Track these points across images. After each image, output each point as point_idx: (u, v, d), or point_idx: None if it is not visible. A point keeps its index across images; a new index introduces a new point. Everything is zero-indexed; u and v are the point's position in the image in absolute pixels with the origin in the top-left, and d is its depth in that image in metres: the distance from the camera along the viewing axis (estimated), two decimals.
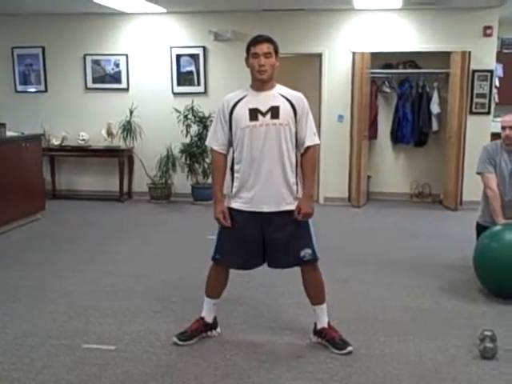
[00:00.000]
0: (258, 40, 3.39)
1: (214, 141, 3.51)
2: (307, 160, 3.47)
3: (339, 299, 4.26)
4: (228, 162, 3.55)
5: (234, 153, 3.49)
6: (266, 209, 3.39)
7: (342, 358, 3.43)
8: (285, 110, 3.37)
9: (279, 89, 3.47)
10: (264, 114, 3.35)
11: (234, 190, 3.46)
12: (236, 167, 3.47)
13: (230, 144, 3.50)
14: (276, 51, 3.42)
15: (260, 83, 3.41)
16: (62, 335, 3.76)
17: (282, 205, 3.40)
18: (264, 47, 3.36)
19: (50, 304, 4.34)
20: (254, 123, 3.35)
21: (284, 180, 3.40)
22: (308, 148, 3.45)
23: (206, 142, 3.64)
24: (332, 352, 3.48)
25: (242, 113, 3.38)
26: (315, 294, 3.57)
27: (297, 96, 3.46)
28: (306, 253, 3.43)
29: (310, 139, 3.44)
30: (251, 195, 3.40)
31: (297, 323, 3.90)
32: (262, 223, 3.42)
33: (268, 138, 3.35)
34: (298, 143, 3.45)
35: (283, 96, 3.42)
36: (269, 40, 3.40)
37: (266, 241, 3.45)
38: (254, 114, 3.36)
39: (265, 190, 3.38)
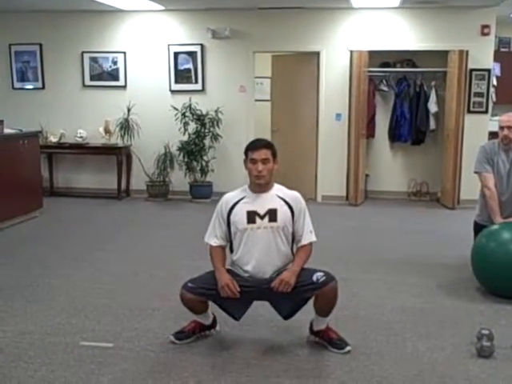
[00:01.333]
0: (256, 146, 3.46)
1: (214, 237, 3.57)
2: (301, 253, 3.52)
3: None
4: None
5: (232, 253, 3.57)
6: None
7: (339, 356, 3.44)
8: (282, 212, 3.46)
9: (277, 190, 3.55)
10: (262, 217, 3.44)
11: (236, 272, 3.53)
12: (234, 260, 3.55)
13: (227, 240, 3.57)
14: (274, 155, 3.48)
15: (258, 187, 3.49)
16: (60, 333, 3.77)
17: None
18: (262, 153, 3.42)
19: (48, 302, 4.34)
20: (251, 226, 3.44)
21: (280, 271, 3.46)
22: (304, 245, 3.52)
23: (205, 239, 3.62)
24: (330, 351, 3.49)
25: (240, 215, 3.46)
26: (325, 311, 3.49)
27: (294, 197, 3.54)
28: (317, 276, 3.36)
29: (306, 238, 3.52)
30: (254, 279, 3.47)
31: (295, 322, 3.89)
32: (260, 285, 3.43)
33: (266, 240, 3.44)
34: (294, 239, 3.54)
35: (281, 198, 3.50)
36: (267, 146, 3.48)
37: (269, 297, 3.46)
38: (251, 216, 3.44)
39: (267, 277, 3.45)
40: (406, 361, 3.40)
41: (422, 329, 3.87)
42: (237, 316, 3.56)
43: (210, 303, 3.59)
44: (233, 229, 3.50)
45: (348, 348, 3.48)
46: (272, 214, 3.44)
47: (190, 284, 3.47)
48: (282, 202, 3.48)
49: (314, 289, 3.36)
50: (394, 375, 3.21)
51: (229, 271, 3.48)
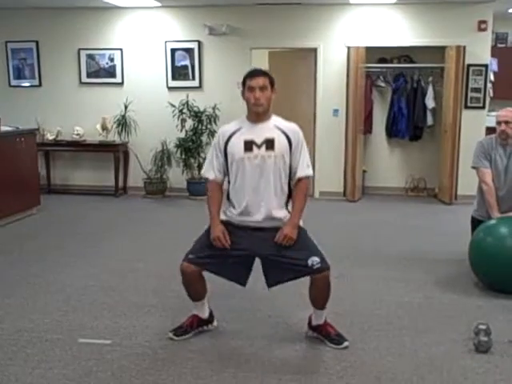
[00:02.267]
0: (253, 74, 3.44)
1: (211, 170, 3.52)
2: (298, 191, 3.48)
3: (334, 294, 4.24)
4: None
5: (229, 182, 3.52)
6: (258, 225, 3.42)
7: (337, 351, 3.44)
8: (280, 142, 3.41)
9: (275, 120, 3.50)
10: (259, 146, 3.39)
11: (229, 213, 3.50)
12: (230, 195, 3.50)
13: (226, 174, 3.52)
14: (272, 84, 3.45)
15: (255, 115, 3.44)
16: (58, 330, 3.76)
17: (274, 224, 3.43)
18: (260, 81, 3.39)
19: (46, 299, 4.34)
20: (248, 155, 3.39)
21: (277, 209, 3.43)
22: (300, 179, 3.47)
23: (202, 172, 3.62)
24: (328, 346, 3.49)
25: (237, 144, 3.41)
26: (320, 302, 3.51)
27: (292, 128, 3.50)
28: (313, 261, 3.34)
29: (303, 171, 3.47)
30: (244, 218, 3.44)
31: (293, 317, 3.91)
32: (255, 239, 3.41)
33: (262, 169, 3.39)
34: (291, 174, 3.49)
35: (279, 128, 3.45)
36: (264, 74, 3.45)
37: (264, 260, 3.45)
38: (248, 145, 3.39)
39: (259, 219, 3.41)
40: (403, 356, 3.40)
41: (420, 324, 3.87)
42: (242, 281, 3.54)
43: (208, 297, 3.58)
44: (230, 159, 3.44)
45: (346, 343, 3.49)
46: (269, 143, 3.38)
47: (190, 255, 3.47)
48: (280, 132, 3.43)
49: (307, 273, 3.37)
50: (392, 370, 3.22)
51: (223, 224, 3.45)
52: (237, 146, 3.41)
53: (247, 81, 3.43)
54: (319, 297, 3.47)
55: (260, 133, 3.41)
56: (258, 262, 3.50)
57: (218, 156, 3.50)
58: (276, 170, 3.40)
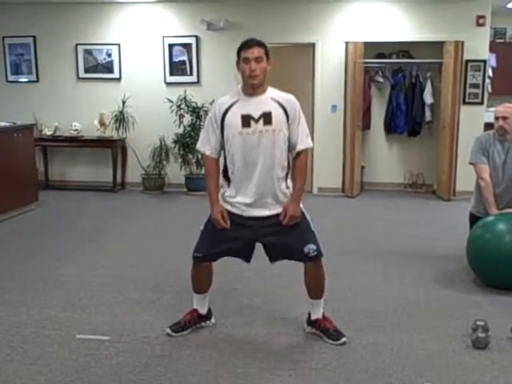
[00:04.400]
0: (248, 44, 3.32)
1: (207, 145, 3.45)
2: (298, 164, 3.44)
3: (333, 290, 4.26)
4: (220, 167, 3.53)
5: (225, 159, 3.45)
6: (260, 213, 3.39)
7: (335, 348, 3.44)
8: (277, 115, 3.35)
9: (271, 92, 3.43)
10: (256, 121, 3.32)
11: (227, 194, 3.45)
12: (228, 172, 3.44)
13: (222, 148, 3.46)
14: (267, 55, 3.36)
15: (251, 88, 3.36)
16: (56, 326, 3.77)
17: (276, 208, 3.40)
18: (255, 51, 3.29)
19: (44, 294, 4.34)
20: (246, 130, 3.32)
21: (277, 185, 3.39)
22: (300, 152, 3.43)
23: (198, 147, 3.55)
24: (326, 342, 3.50)
25: (234, 119, 3.34)
26: (315, 290, 3.56)
27: (288, 99, 3.43)
28: (309, 249, 3.38)
29: (302, 143, 3.42)
30: (244, 200, 3.39)
31: (291, 314, 3.91)
32: (256, 227, 3.39)
33: (261, 144, 3.33)
34: (290, 146, 3.43)
35: (275, 100, 3.38)
36: (260, 44, 3.34)
37: (265, 244, 3.46)
38: (246, 120, 3.32)
39: (258, 195, 3.37)
40: (401, 352, 3.40)
41: (418, 320, 3.87)
42: (246, 259, 3.56)
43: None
44: (226, 133, 3.38)
45: (344, 339, 3.49)
46: (267, 117, 3.32)
47: (196, 254, 3.52)
48: (277, 105, 3.36)
49: (301, 259, 3.44)
50: (390, 366, 3.22)
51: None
52: (234, 121, 3.33)
53: (242, 52, 3.32)
54: (313, 285, 3.53)
55: (257, 106, 3.34)
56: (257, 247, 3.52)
57: (214, 130, 3.42)
58: (275, 144, 3.34)
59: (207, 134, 3.46)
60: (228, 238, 3.41)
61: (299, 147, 3.40)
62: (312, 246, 3.39)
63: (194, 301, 3.69)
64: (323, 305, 3.62)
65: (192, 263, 3.58)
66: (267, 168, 3.35)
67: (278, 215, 3.39)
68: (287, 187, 3.44)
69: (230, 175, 3.43)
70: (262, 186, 3.36)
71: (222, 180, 3.50)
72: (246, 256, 3.53)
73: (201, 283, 3.63)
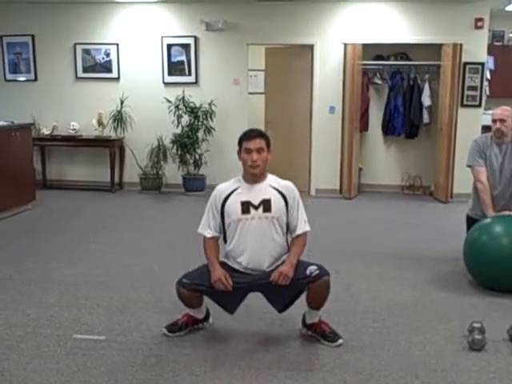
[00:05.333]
0: (250, 135, 3.44)
1: (208, 229, 3.54)
2: (297, 244, 3.52)
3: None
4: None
5: (225, 242, 3.55)
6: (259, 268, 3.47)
7: (331, 349, 3.44)
8: (276, 202, 3.45)
9: (270, 180, 3.53)
10: (256, 208, 3.42)
11: (229, 263, 3.53)
12: (228, 252, 3.53)
13: (221, 232, 3.55)
14: (268, 145, 3.47)
15: (252, 176, 3.47)
16: (53, 325, 3.76)
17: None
18: (257, 143, 3.41)
19: (41, 294, 4.33)
20: (246, 216, 3.42)
21: (275, 267, 3.43)
22: (299, 235, 3.51)
23: (199, 230, 3.59)
24: (323, 344, 3.50)
25: (234, 206, 3.44)
26: (317, 304, 3.51)
27: (287, 187, 3.53)
28: (311, 269, 3.36)
29: (301, 228, 3.52)
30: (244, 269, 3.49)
31: (287, 314, 3.89)
32: (255, 278, 3.43)
33: (260, 230, 3.42)
34: (289, 229, 3.53)
35: (274, 188, 3.49)
36: (261, 135, 3.47)
37: (263, 291, 3.50)
38: (246, 207, 3.42)
39: (258, 270, 3.45)
40: (398, 354, 3.41)
41: (415, 322, 3.88)
42: (231, 310, 3.57)
43: (205, 298, 3.59)
44: (227, 220, 3.49)
45: (340, 341, 3.49)
46: (266, 204, 3.43)
47: (184, 280, 3.47)
48: (276, 192, 3.47)
49: (308, 282, 3.37)
50: (386, 368, 3.22)
51: (222, 264, 3.47)
52: (234, 208, 3.44)
53: (244, 142, 3.44)
54: (317, 299, 3.47)
55: (257, 194, 3.45)
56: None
57: (214, 215, 3.53)
58: (274, 230, 3.45)
59: (208, 219, 3.56)
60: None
61: (297, 232, 3.52)
62: (312, 267, 3.38)
63: (190, 311, 3.68)
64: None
65: (176, 287, 3.50)
66: (267, 253, 3.45)
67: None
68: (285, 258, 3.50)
69: (229, 255, 3.53)
70: (259, 267, 3.45)
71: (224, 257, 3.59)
72: (234, 302, 3.53)
73: (191, 303, 3.58)
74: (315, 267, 3.38)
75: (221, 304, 3.58)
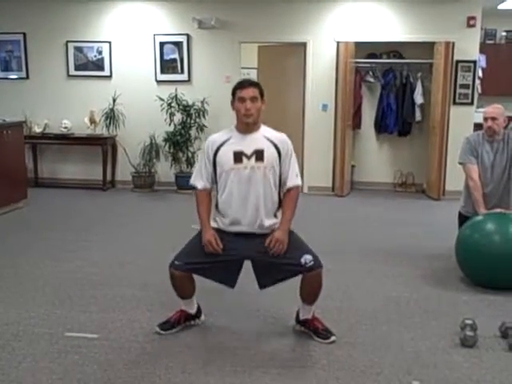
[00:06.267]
0: (244, 85, 3.42)
1: (200, 179, 3.52)
2: (288, 199, 3.50)
3: (322, 288, 4.29)
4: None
5: (217, 193, 3.52)
6: (249, 231, 3.43)
7: (324, 346, 3.45)
8: (269, 153, 3.42)
9: (264, 131, 3.51)
10: (249, 157, 3.39)
11: (219, 223, 3.50)
12: (219, 206, 3.50)
13: (213, 183, 3.53)
14: (262, 95, 3.45)
15: (245, 126, 3.44)
16: (45, 323, 3.75)
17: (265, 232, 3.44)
18: (250, 91, 3.39)
19: (33, 292, 4.31)
20: (238, 166, 3.39)
21: (266, 220, 3.43)
22: (290, 189, 3.49)
23: (191, 181, 3.58)
24: (315, 341, 3.50)
25: (226, 155, 3.41)
26: (310, 298, 3.52)
27: (281, 138, 3.50)
28: (306, 259, 3.35)
29: (292, 181, 3.49)
30: (234, 228, 3.45)
31: (280, 311, 3.91)
32: (247, 243, 3.42)
33: (252, 180, 3.39)
34: (281, 183, 3.50)
35: (268, 139, 3.45)
36: (255, 84, 3.46)
37: (254, 262, 3.46)
38: (238, 156, 3.39)
39: (250, 229, 3.43)
40: (390, 350, 3.42)
41: (407, 319, 3.89)
42: (231, 283, 3.54)
43: (196, 293, 3.59)
44: (219, 170, 3.44)
45: (333, 338, 3.50)
46: (259, 154, 3.39)
47: (176, 262, 3.45)
48: (269, 143, 3.43)
49: (300, 272, 3.38)
50: (379, 364, 3.23)
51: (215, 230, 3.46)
52: (226, 157, 3.41)
53: (237, 91, 3.42)
54: (311, 293, 3.48)
55: (249, 144, 3.42)
56: (247, 261, 3.50)
57: (206, 166, 3.50)
58: (266, 181, 3.41)
59: (200, 170, 3.54)
60: (216, 257, 3.41)
61: (289, 185, 3.49)
62: (308, 257, 3.36)
63: (182, 303, 3.67)
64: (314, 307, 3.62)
65: (169, 272, 3.49)
66: (257, 202, 3.41)
67: (266, 234, 3.41)
68: (277, 223, 3.46)
69: (222, 210, 3.48)
70: (252, 220, 3.42)
71: (214, 213, 3.54)
72: (231, 275, 3.49)
73: (183, 289, 3.57)
74: (310, 257, 3.36)
75: (219, 280, 3.54)
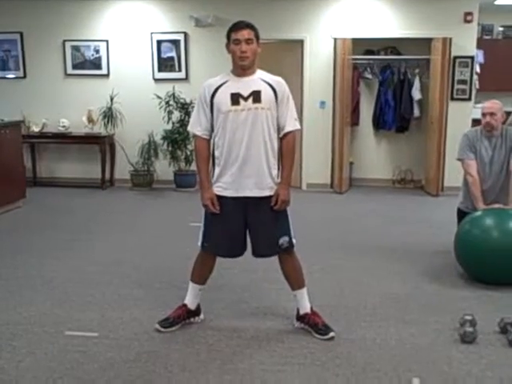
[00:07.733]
0: (239, 26, 3.36)
1: (198, 126, 3.47)
2: (286, 145, 3.46)
3: (320, 285, 4.30)
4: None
5: (214, 137, 3.46)
6: (248, 193, 3.40)
7: (323, 343, 3.45)
8: (266, 94, 3.37)
9: (260, 74, 3.46)
10: (246, 99, 3.34)
11: (216, 174, 3.47)
12: (217, 152, 3.45)
13: (213, 129, 3.47)
14: (257, 37, 3.40)
15: (241, 69, 3.40)
16: (45, 323, 3.75)
17: (263, 189, 3.41)
18: (245, 33, 3.33)
19: (33, 291, 4.32)
20: (235, 107, 3.34)
21: (266, 164, 3.40)
22: (288, 133, 3.44)
23: (189, 128, 3.60)
24: (314, 337, 3.51)
25: (223, 97, 3.36)
26: (295, 280, 3.59)
27: (278, 81, 3.46)
28: (284, 241, 3.45)
29: (290, 124, 3.44)
30: (233, 180, 3.40)
31: (279, 309, 3.92)
32: (245, 208, 3.42)
33: (250, 122, 3.34)
34: (278, 128, 3.45)
35: (264, 81, 3.41)
36: (250, 26, 3.38)
37: (249, 225, 3.47)
38: (235, 98, 3.34)
39: (246, 174, 3.38)
40: (389, 346, 3.42)
41: (406, 315, 3.89)
42: (240, 252, 3.58)
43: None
44: (216, 113, 3.39)
45: (332, 334, 3.50)
46: (256, 96, 3.35)
47: (205, 244, 3.53)
48: (266, 85, 3.39)
49: (277, 252, 3.51)
50: (378, 361, 3.24)
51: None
52: (223, 99, 3.36)
53: (232, 33, 3.37)
54: (291, 275, 3.59)
55: (246, 86, 3.37)
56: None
57: (204, 110, 3.44)
58: (264, 122, 3.36)
59: (198, 116, 3.48)
60: (226, 219, 3.45)
61: (287, 128, 3.43)
62: (285, 238, 3.46)
63: (189, 292, 3.68)
64: (309, 299, 3.63)
65: (199, 252, 3.60)
66: (256, 146, 3.37)
67: (264, 197, 3.41)
68: (275, 168, 3.45)
69: (218, 155, 3.44)
70: (251, 165, 3.37)
71: (213, 174, 3.51)
72: (241, 244, 3.52)
73: (202, 272, 3.64)
74: (287, 239, 3.47)
75: (231, 254, 3.59)
